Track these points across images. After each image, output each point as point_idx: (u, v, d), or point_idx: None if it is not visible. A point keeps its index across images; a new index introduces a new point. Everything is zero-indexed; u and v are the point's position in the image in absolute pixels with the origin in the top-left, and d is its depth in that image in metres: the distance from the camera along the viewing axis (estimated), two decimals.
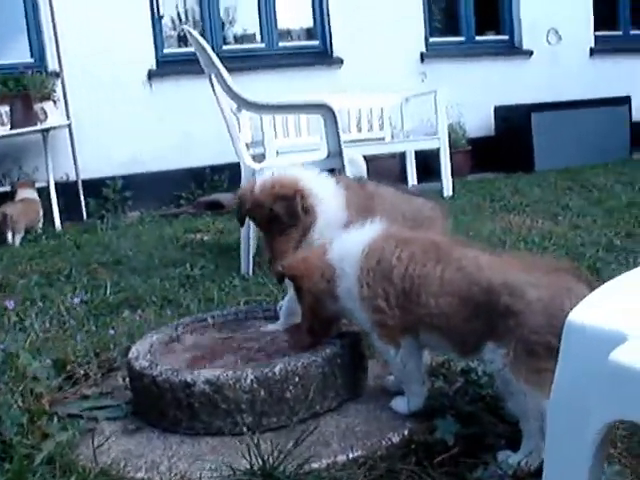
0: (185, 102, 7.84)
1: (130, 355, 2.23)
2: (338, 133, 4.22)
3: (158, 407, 2.06)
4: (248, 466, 1.76)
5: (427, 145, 7.24)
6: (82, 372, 2.54)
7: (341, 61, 8.81)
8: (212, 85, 4.39)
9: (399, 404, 2.08)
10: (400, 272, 1.92)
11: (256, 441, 1.81)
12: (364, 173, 4.30)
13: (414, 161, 7.79)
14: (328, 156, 4.34)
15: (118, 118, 7.63)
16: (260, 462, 1.74)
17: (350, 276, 2.01)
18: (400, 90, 7.81)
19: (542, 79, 9.69)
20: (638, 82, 9.93)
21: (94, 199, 7.45)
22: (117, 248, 5.39)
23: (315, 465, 1.79)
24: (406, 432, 1.95)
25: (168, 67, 8.07)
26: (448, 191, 7.17)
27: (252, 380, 1.97)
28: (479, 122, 9.50)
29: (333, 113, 4.20)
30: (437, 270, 1.88)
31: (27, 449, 1.94)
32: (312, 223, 2.52)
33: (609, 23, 10.76)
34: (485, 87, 9.35)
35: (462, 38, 9.86)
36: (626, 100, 9.44)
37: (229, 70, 4.28)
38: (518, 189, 7.08)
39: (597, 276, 3.60)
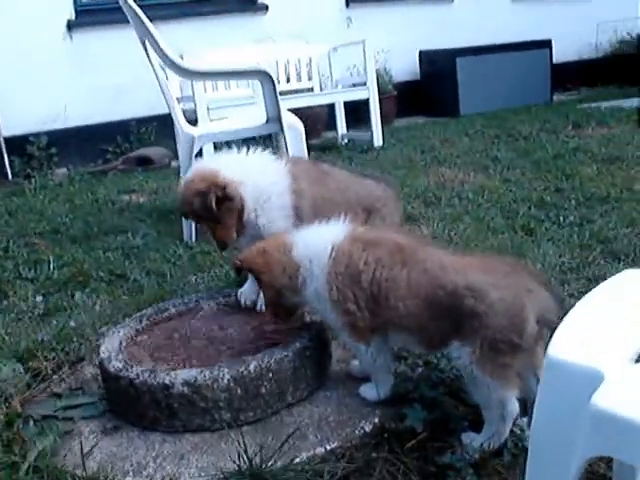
0: (108, 53, 7.60)
1: (102, 355, 2.27)
2: (277, 98, 4.22)
3: (136, 407, 2.12)
4: (235, 466, 1.86)
5: (357, 96, 7.28)
6: (49, 367, 2.56)
7: (266, 7, 8.66)
8: (145, 49, 4.28)
9: (368, 392, 2.19)
10: (368, 277, 2.00)
11: (242, 442, 1.90)
12: (303, 138, 4.33)
13: (343, 110, 7.82)
14: (267, 121, 4.34)
15: (39, 72, 7.33)
16: (247, 462, 1.84)
17: (319, 277, 2.09)
18: (326, 36, 7.78)
19: (465, 24, 9.79)
20: (559, 26, 10.16)
21: (18, 157, 7.20)
22: (52, 215, 5.28)
23: (297, 460, 1.90)
24: (377, 420, 2.08)
25: (88, 17, 7.76)
26: (378, 141, 7.27)
27: (229, 380, 2.05)
28: (404, 67, 9.59)
29: (271, 78, 4.19)
30: (403, 274, 1.97)
31: (9, 458, 1.98)
32: (241, 207, 2.59)
33: None
34: (410, 31, 9.40)
35: None
36: (547, 43, 9.68)
37: (150, 20, 4.16)
38: (447, 138, 7.25)
39: (532, 236, 3.82)
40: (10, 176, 7.09)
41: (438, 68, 9.46)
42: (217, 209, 2.54)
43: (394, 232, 2.23)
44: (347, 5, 9.23)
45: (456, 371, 2.29)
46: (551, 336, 1.79)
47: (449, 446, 1.96)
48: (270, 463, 1.85)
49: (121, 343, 2.37)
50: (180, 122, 4.36)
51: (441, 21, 9.72)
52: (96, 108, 7.67)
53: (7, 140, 7.12)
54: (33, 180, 6.73)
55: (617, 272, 2.82)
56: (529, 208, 4.39)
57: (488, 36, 9.61)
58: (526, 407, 1.95)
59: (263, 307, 2.55)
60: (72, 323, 2.85)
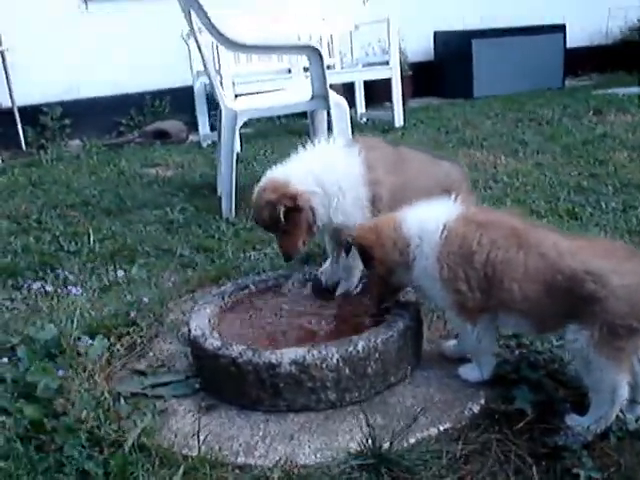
0: (124, 25, 7.43)
1: (195, 332, 2.20)
2: (324, 75, 4.14)
3: (237, 386, 2.06)
4: (356, 446, 1.81)
5: (380, 75, 7.18)
6: (124, 344, 2.49)
7: None
8: (190, 21, 4.17)
9: (469, 373, 2.16)
10: (482, 258, 1.97)
11: (366, 423, 1.85)
12: (348, 116, 4.26)
13: (363, 90, 7.74)
14: (312, 98, 4.26)
15: (53, 42, 7.16)
16: (368, 444, 1.79)
17: (429, 255, 2.05)
18: (342, 14, 7.66)
19: (480, 5, 9.69)
20: (571, 10, 10.09)
21: (31, 127, 7.05)
22: (79, 187, 5.17)
23: (412, 440, 1.86)
24: (483, 401, 2.05)
25: None
26: (399, 121, 7.20)
27: (337, 359, 2.00)
28: (419, 47, 9.49)
29: (320, 55, 4.10)
30: (520, 256, 1.94)
31: (109, 436, 1.92)
32: (311, 219, 2.52)
33: None
34: (425, 12, 9.28)
35: None
36: (562, 28, 9.62)
37: None
38: (468, 121, 7.20)
39: (578, 221, 3.79)
40: (24, 146, 6.92)
41: (453, 49, 9.38)
42: (285, 220, 2.47)
43: (507, 214, 2.17)
44: None
45: (553, 353, 2.28)
46: None
47: (555, 428, 1.93)
48: (389, 444, 1.80)
49: (210, 320, 2.30)
50: (223, 96, 4.26)
51: (455, 2, 9.61)
52: (110, 80, 7.51)
53: (20, 110, 6.95)
54: (49, 151, 6.59)
55: None
56: (568, 193, 4.35)
57: (502, 19, 9.52)
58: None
59: (342, 290, 2.53)
60: (145, 299, 2.75)
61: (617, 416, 1.93)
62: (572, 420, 1.94)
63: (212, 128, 6.82)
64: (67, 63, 7.26)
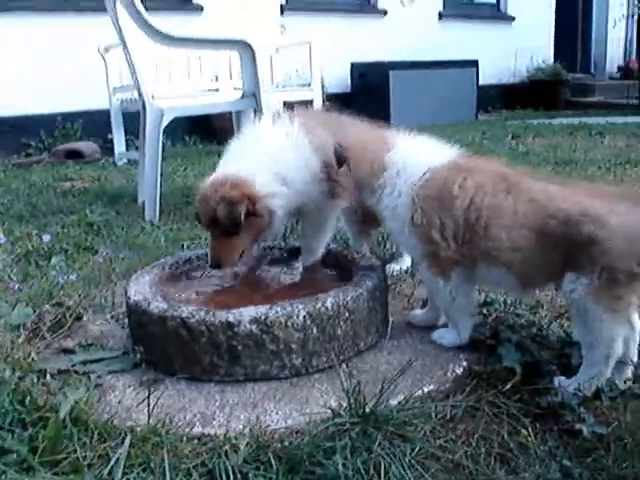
0: (30, 43, 7.03)
1: (135, 297, 1.91)
2: (256, 72, 3.97)
3: (187, 353, 1.78)
4: (339, 407, 1.57)
5: (301, 96, 7.06)
6: (47, 322, 2.16)
7: (201, 8, 8.38)
8: (115, 16, 3.91)
9: (445, 336, 1.97)
10: (464, 203, 1.79)
11: (353, 381, 1.62)
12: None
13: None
14: (243, 96, 4.07)
15: None
16: (353, 402, 1.55)
17: (402, 193, 1.87)
18: (262, 40, 7.57)
19: (395, 39, 9.87)
20: (483, 48, 10.44)
21: None
22: None
23: (394, 402, 1.63)
24: (465, 364, 1.85)
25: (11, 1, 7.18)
26: None
27: (304, 317, 1.76)
28: (336, 78, 9.49)
29: (252, 50, 3.94)
30: (508, 201, 1.77)
31: (38, 411, 1.60)
32: (265, 226, 2.18)
33: None
34: (341, 43, 9.33)
35: None
36: (475, 63, 9.90)
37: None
38: None
39: None
40: None
41: (370, 80, 9.45)
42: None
43: (494, 161, 2.01)
44: (282, 12, 9.08)
45: (531, 318, 2.13)
46: None
47: (544, 389, 1.77)
48: (375, 403, 1.57)
49: (151, 287, 2.01)
50: (148, 94, 4.00)
51: (372, 34, 9.75)
52: (19, 100, 7.06)
53: None
54: None
55: None
56: None
57: (417, 52, 9.71)
58: None
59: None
60: (72, 277, 2.43)
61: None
62: (560, 382, 1.78)
63: (128, 148, 6.51)
64: None
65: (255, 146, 2.26)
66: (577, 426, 1.62)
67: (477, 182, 1.81)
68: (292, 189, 2.20)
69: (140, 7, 3.74)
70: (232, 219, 2.07)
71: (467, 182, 1.81)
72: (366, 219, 2.58)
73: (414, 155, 1.91)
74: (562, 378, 1.80)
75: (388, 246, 3.02)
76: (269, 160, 2.19)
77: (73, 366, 1.89)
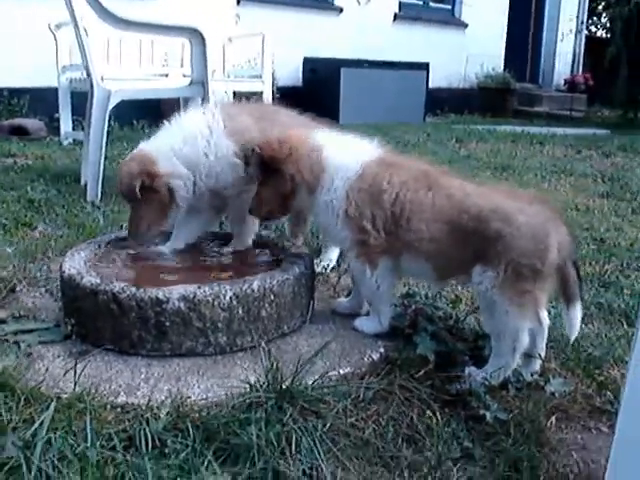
0: None
1: (69, 272, 1.96)
2: (205, 61, 4.02)
3: (116, 327, 1.85)
4: (257, 383, 1.66)
5: (251, 87, 7.10)
6: None
7: None
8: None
9: (365, 324, 2.08)
10: (390, 197, 1.92)
11: (272, 358, 1.71)
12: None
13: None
14: (191, 83, 4.12)
15: None
16: (270, 378, 1.65)
17: (338, 188, 1.97)
18: (214, 31, 7.58)
19: (349, 37, 9.99)
20: (435, 52, 10.64)
21: None
22: None
23: (310, 381, 1.73)
24: (382, 350, 1.97)
25: None
26: None
27: (231, 297, 1.84)
28: (288, 72, 9.55)
29: (203, 38, 3.99)
30: (428, 197, 1.90)
31: None
32: (166, 201, 2.31)
33: None
34: (296, 37, 9.40)
35: None
36: (425, 66, 10.08)
37: None
38: None
39: None
40: None
41: (322, 76, 9.54)
42: (140, 196, 2.27)
43: (418, 160, 2.14)
44: (238, 2, 9.09)
45: (449, 311, 2.26)
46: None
47: (456, 377, 1.90)
48: (291, 380, 1.67)
49: (86, 263, 2.07)
50: (96, 75, 4.01)
51: (326, 31, 9.84)
52: None
53: None
54: None
55: None
56: None
57: (370, 51, 9.85)
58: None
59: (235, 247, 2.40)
60: (7, 249, 2.46)
61: (514, 369, 1.93)
62: (471, 371, 1.91)
63: (75, 128, 6.45)
64: None
65: (174, 129, 2.38)
66: (481, 412, 1.75)
67: (402, 179, 1.93)
68: (201, 173, 2.33)
69: None
70: (129, 191, 2.26)
71: (394, 178, 1.93)
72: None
73: (348, 152, 2.02)
74: (473, 368, 1.93)
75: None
76: (180, 142, 2.32)
77: (4, 336, 1.93)
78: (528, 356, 1.94)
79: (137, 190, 2.24)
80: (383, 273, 2.00)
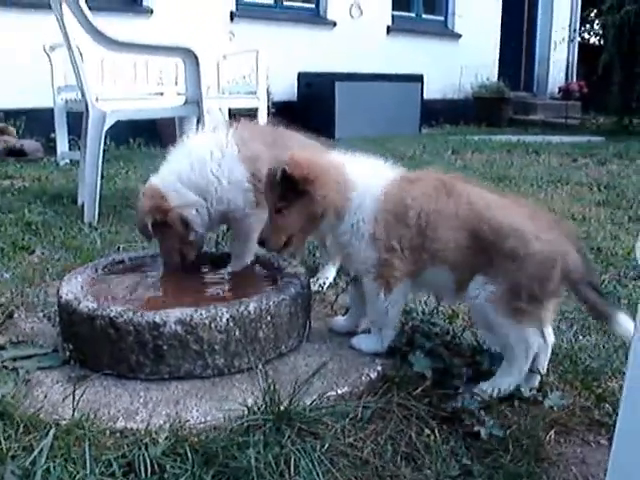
0: None
1: (66, 297, 1.97)
2: (199, 80, 4.04)
3: (114, 352, 1.86)
4: (254, 405, 1.66)
5: (246, 103, 7.13)
6: None
7: (151, 11, 8.39)
8: (60, 15, 3.94)
9: (364, 343, 2.08)
10: (415, 211, 1.92)
11: (269, 380, 1.71)
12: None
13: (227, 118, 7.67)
14: (185, 103, 4.14)
15: None
16: (268, 400, 1.65)
17: (366, 209, 1.96)
18: (208, 47, 7.63)
19: (343, 50, 10.04)
20: (429, 63, 10.70)
21: None
22: None
23: (308, 402, 1.73)
24: (380, 368, 1.97)
25: None
26: None
27: (227, 319, 1.85)
28: (283, 87, 9.59)
29: (196, 58, 4.02)
30: (450, 204, 1.91)
31: None
32: (182, 233, 2.33)
33: (403, 6, 11.45)
34: (290, 52, 9.46)
35: (271, 1, 9.89)
36: (419, 78, 10.13)
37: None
38: None
39: None
40: None
41: (317, 91, 9.58)
42: (157, 232, 2.31)
43: (431, 171, 2.14)
44: (231, 19, 9.16)
45: (445, 327, 2.27)
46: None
47: (453, 394, 1.90)
48: (289, 402, 1.67)
49: (83, 288, 2.08)
50: (91, 96, 4.03)
51: (320, 45, 9.90)
52: None
53: None
54: None
55: None
56: None
57: (364, 64, 9.90)
58: None
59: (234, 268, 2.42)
60: (5, 275, 2.47)
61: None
62: (484, 386, 1.91)
63: (71, 148, 6.48)
64: None
65: (181, 156, 2.39)
66: (476, 428, 1.75)
67: (422, 191, 1.94)
68: (212, 198, 2.34)
69: (85, 8, 3.78)
70: (142, 229, 2.32)
71: (416, 191, 1.94)
72: None
73: (371, 173, 2.02)
74: (485, 383, 1.93)
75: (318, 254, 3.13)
76: (189, 170, 2.33)
77: (2, 362, 1.94)
78: (530, 371, 1.94)
79: (150, 228, 2.26)
80: (396, 298, 2.01)
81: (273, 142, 2.45)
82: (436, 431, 1.76)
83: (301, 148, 2.42)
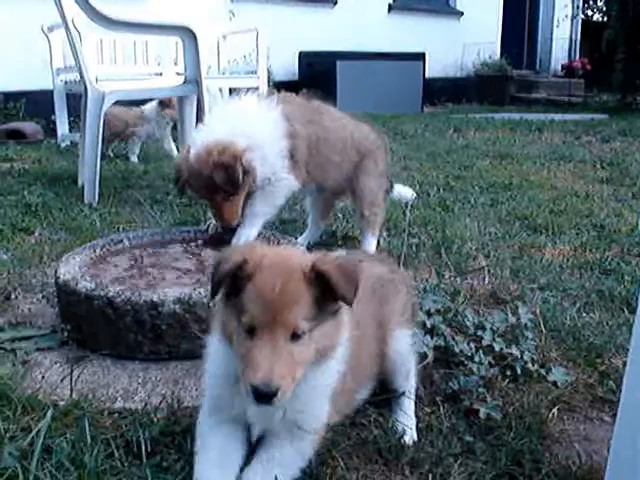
0: None
1: (64, 277, 1.95)
2: (198, 59, 3.99)
3: (112, 332, 1.84)
4: None
5: (246, 83, 7.06)
6: None
7: None
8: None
9: None
10: None
11: None
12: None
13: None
14: (185, 82, 4.10)
15: None
16: None
17: None
18: (208, 27, 7.56)
19: (344, 29, 9.95)
20: (431, 41, 10.60)
21: None
22: None
23: None
24: None
25: None
26: None
27: None
28: (284, 66, 9.53)
29: (195, 37, 3.96)
30: None
31: None
32: (254, 180, 2.41)
33: None
34: (291, 31, 9.37)
35: None
36: (421, 56, 10.04)
37: None
38: None
39: (449, 212, 3.86)
40: None
41: (318, 69, 9.52)
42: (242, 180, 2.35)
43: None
44: None
45: (450, 301, 2.25)
46: None
47: (454, 372, 1.89)
48: None
49: (81, 268, 2.06)
50: (90, 77, 3.99)
51: (321, 24, 9.81)
52: None
53: None
54: None
55: (540, 242, 2.88)
56: (438, 190, 4.44)
57: (365, 43, 9.81)
58: None
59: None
60: (3, 256, 2.45)
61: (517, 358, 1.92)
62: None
63: (72, 129, 6.44)
64: None
65: (235, 113, 2.51)
66: (476, 406, 1.74)
67: None
68: (259, 145, 2.43)
69: None
70: (232, 182, 2.33)
71: None
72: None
73: None
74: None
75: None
76: (240, 122, 2.42)
77: (1, 343, 1.92)
78: None
79: (241, 178, 2.32)
80: None
81: (310, 120, 2.60)
82: (441, 409, 1.74)
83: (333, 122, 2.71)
